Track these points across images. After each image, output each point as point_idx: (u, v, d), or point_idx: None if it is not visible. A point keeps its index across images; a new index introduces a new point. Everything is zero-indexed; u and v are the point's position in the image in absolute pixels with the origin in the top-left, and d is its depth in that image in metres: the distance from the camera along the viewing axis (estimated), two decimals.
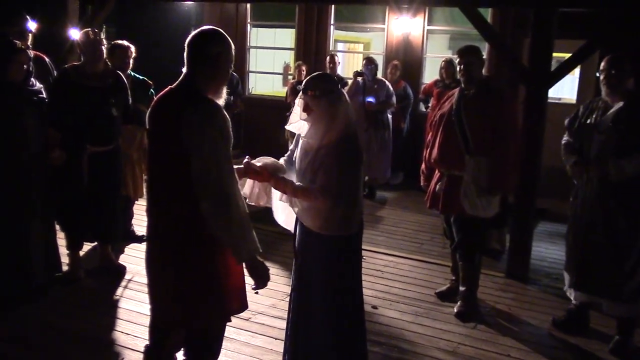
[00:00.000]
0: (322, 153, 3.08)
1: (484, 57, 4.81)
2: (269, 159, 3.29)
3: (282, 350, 3.55)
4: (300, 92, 3.17)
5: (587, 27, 5.52)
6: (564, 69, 5.32)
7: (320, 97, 3.09)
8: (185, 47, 2.85)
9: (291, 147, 3.43)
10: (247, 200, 3.29)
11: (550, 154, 6.05)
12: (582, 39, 5.28)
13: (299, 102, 3.20)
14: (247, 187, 3.36)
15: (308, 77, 3.23)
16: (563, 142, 4.48)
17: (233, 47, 2.90)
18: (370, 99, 8.07)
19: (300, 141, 3.28)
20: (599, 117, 4.18)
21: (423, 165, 4.88)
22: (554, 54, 5.34)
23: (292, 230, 3.39)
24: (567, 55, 5.46)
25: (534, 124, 5.27)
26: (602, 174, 4.09)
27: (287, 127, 3.40)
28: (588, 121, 4.25)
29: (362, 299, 3.42)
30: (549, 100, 5.39)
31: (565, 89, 10.06)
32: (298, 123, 3.28)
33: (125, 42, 5.55)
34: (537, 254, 6.04)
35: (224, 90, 2.91)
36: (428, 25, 9.75)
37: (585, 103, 4.48)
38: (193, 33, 2.86)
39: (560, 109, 8.24)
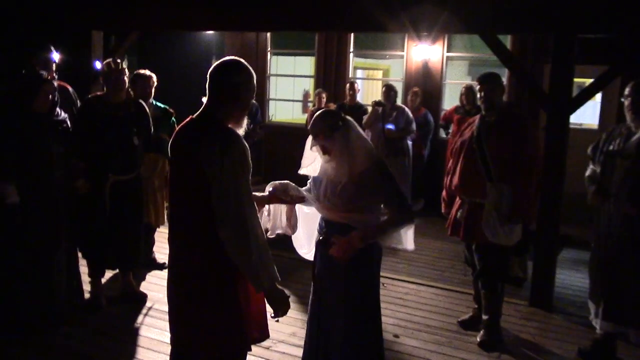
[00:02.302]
0: (355, 180, 3.11)
1: (504, 83, 4.80)
2: (277, 183, 3.31)
3: None
4: (311, 140, 3.21)
5: (609, 53, 5.50)
6: (586, 94, 5.29)
7: (332, 134, 3.14)
8: (208, 77, 2.89)
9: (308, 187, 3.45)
10: (269, 233, 3.30)
11: (572, 180, 5.99)
12: (604, 65, 5.25)
13: (312, 148, 3.22)
14: (270, 219, 3.37)
15: (310, 123, 3.26)
16: (587, 173, 4.44)
17: (255, 77, 2.92)
18: (390, 127, 8.08)
19: (324, 173, 3.28)
20: (622, 143, 4.14)
21: (444, 192, 4.86)
22: (575, 80, 5.31)
23: (312, 259, 3.39)
24: (589, 81, 5.44)
25: (556, 150, 5.23)
26: (625, 209, 4.05)
27: (301, 171, 3.42)
28: (610, 147, 4.21)
29: (380, 325, 3.38)
30: (571, 126, 5.35)
31: (587, 115, 9.99)
32: (311, 165, 3.33)
33: (147, 72, 5.64)
34: (561, 281, 5.95)
35: (245, 120, 2.93)
36: (447, 52, 9.78)
37: (607, 130, 4.44)
38: (215, 63, 2.90)
39: (582, 134, 8.18)
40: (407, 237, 3.29)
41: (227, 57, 2.93)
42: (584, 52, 5.41)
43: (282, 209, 3.39)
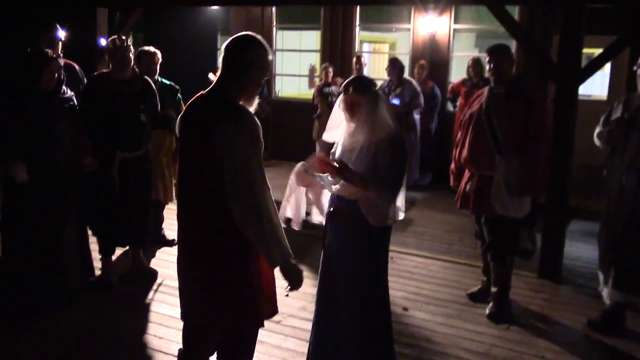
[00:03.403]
0: (371, 150, 3.10)
1: (513, 55, 4.76)
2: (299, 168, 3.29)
3: None
4: (342, 93, 3.19)
5: (618, 23, 5.42)
6: (595, 65, 5.24)
7: (367, 93, 3.13)
8: (221, 54, 2.87)
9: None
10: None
11: (581, 152, 5.96)
12: (613, 35, 5.19)
13: (339, 106, 3.20)
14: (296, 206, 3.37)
15: (347, 80, 3.25)
16: (596, 132, 4.42)
17: (269, 54, 2.89)
18: (395, 101, 8.03)
19: (341, 143, 3.29)
20: (636, 113, 4.10)
21: (452, 165, 4.84)
22: (584, 50, 5.26)
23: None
24: (598, 51, 5.37)
25: (565, 122, 5.19)
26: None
27: (325, 136, 3.42)
28: (625, 115, 4.18)
29: (388, 298, 3.40)
30: (579, 98, 5.30)
31: (596, 86, 9.90)
32: (335, 131, 3.32)
33: (151, 48, 5.61)
34: (570, 253, 5.95)
35: (256, 98, 2.93)
36: (454, 24, 9.67)
37: (620, 99, 4.40)
38: (230, 39, 2.87)
39: (591, 106, 8.11)
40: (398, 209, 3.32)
41: (242, 33, 2.90)
42: (593, 22, 5.33)
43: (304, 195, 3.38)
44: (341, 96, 3.21)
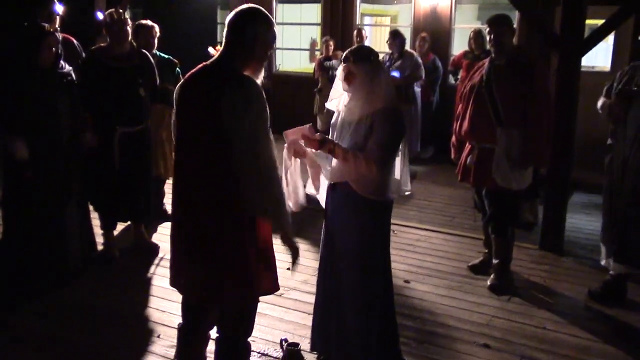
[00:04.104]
0: (367, 122, 3.07)
1: (514, 26, 4.70)
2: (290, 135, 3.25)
3: None
4: (342, 62, 3.17)
5: None
6: (597, 36, 5.17)
7: (362, 62, 3.09)
8: (226, 26, 2.84)
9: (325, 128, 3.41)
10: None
11: (583, 123, 5.92)
12: (616, 5, 5.12)
13: (339, 75, 3.18)
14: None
15: (348, 49, 3.23)
16: (599, 103, 4.38)
17: (274, 25, 2.88)
18: (395, 74, 7.97)
19: (339, 113, 3.28)
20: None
21: (453, 138, 4.81)
22: (587, 21, 5.19)
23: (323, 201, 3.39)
24: (600, 22, 5.31)
25: (567, 94, 5.16)
26: None
27: (327, 104, 3.39)
28: (627, 87, 4.14)
29: (390, 270, 3.40)
30: (582, 69, 5.25)
31: (599, 57, 9.80)
32: (336, 100, 3.29)
33: (149, 22, 5.56)
34: (572, 225, 5.95)
35: (262, 70, 2.91)
36: None
37: (623, 69, 4.36)
38: (234, 12, 2.84)
39: (594, 77, 8.04)
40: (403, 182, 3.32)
41: (246, 6, 2.88)
42: None
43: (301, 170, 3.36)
44: (341, 65, 3.19)
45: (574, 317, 4.22)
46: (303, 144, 3.13)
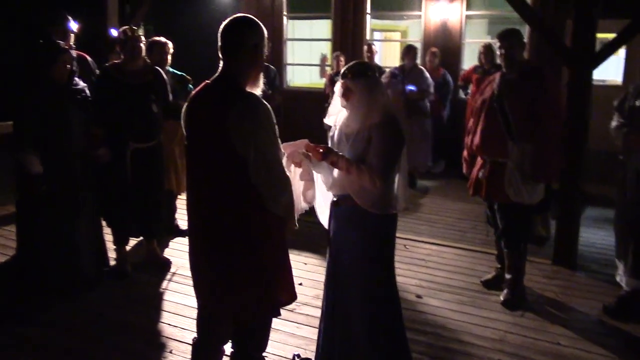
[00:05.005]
0: (365, 135, 3.07)
1: (525, 40, 4.71)
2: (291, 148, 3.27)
3: None
4: (339, 79, 3.17)
5: (632, 6, 5.35)
6: (609, 49, 5.16)
7: (359, 78, 3.10)
8: (220, 37, 2.81)
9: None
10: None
11: (595, 137, 5.90)
12: (627, 18, 5.12)
13: (338, 91, 3.19)
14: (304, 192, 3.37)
15: (346, 66, 3.23)
16: (613, 124, 4.37)
17: (266, 34, 2.89)
18: (412, 87, 7.99)
19: (337, 130, 3.28)
20: None
21: (465, 153, 4.81)
22: (598, 35, 5.19)
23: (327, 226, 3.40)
24: (612, 36, 5.30)
25: (579, 107, 5.14)
26: None
27: (326, 120, 3.41)
28: (638, 103, 4.13)
29: (395, 285, 3.38)
30: (594, 82, 5.24)
31: (610, 70, 9.79)
32: (334, 116, 3.31)
33: (162, 39, 5.61)
34: (585, 240, 5.91)
35: (261, 80, 2.91)
36: (466, 10, 9.58)
37: (635, 84, 4.34)
38: (227, 22, 2.81)
39: (605, 91, 8.03)
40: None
41: (237, 15, 2.85)
42: (607, 6, 5.26)
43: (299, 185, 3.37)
44: (339, 82, 3.20)
45: (588, 333, 4.18)
46: (301, 156, 3.14)
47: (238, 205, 2.79)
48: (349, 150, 3.12)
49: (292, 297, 3.09)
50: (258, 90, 2.87)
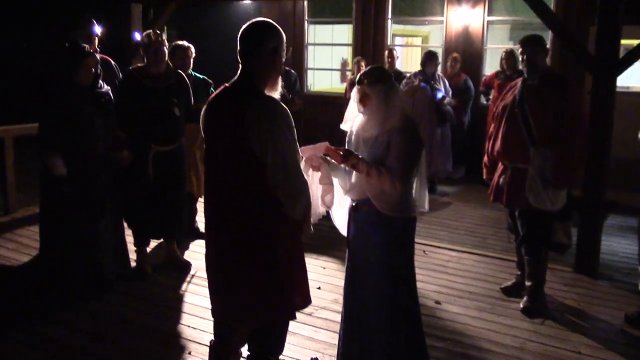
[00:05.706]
0: (384, 140, 3.08)
1: (547, 46, 4.68)
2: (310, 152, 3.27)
3: None
4: (356, 84, 3.18)
5: None
6: (633, 56, 5.11)
7: (376, 84, 3.10)
8: (239, 41, 2.83)
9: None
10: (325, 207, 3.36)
11: (618, 144, 5.84)
12: None
13: (354, 97, 3.20)
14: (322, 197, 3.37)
15: (362, 72, 3.24)
16: None
17: (285, 38, 2.90)
18: (440, 94, 7.98)
19: (354, 135, 3.29)
20: None
21: (485, 158, 4.79)
22: (622, 42, 5.14)
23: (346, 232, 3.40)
24: (636, 42, 5.25)
25: (602, 114, 5.09)
26: None
27: (342, 125, 3.41)
28: None
29: (415, 290, 3.37)
30: (617, 89, 5.19)
31: (635, 77, 9.67)
32: (351, 121, 3.31)
33: (185, 43, 5.67)
34: (607, 248, 5.84)
35: (280, 84, 2.92)
36: (488, 15, 9.54)
37: None
38: (246, 26, 2.82)
39: (629, 98, 7.94)
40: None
41: (256, 19, 2.87)
42: (631, 12, 5.21)
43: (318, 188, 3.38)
44: (355, 88, 3.21)
45: (609, 342, 4.13)
46: (320, 160, 3.15)
47: (254, 208, 2.80)
48: (367, 155, 3.13)
49: (306, 301, 3.10)
50: (277, 94, 2.88)
